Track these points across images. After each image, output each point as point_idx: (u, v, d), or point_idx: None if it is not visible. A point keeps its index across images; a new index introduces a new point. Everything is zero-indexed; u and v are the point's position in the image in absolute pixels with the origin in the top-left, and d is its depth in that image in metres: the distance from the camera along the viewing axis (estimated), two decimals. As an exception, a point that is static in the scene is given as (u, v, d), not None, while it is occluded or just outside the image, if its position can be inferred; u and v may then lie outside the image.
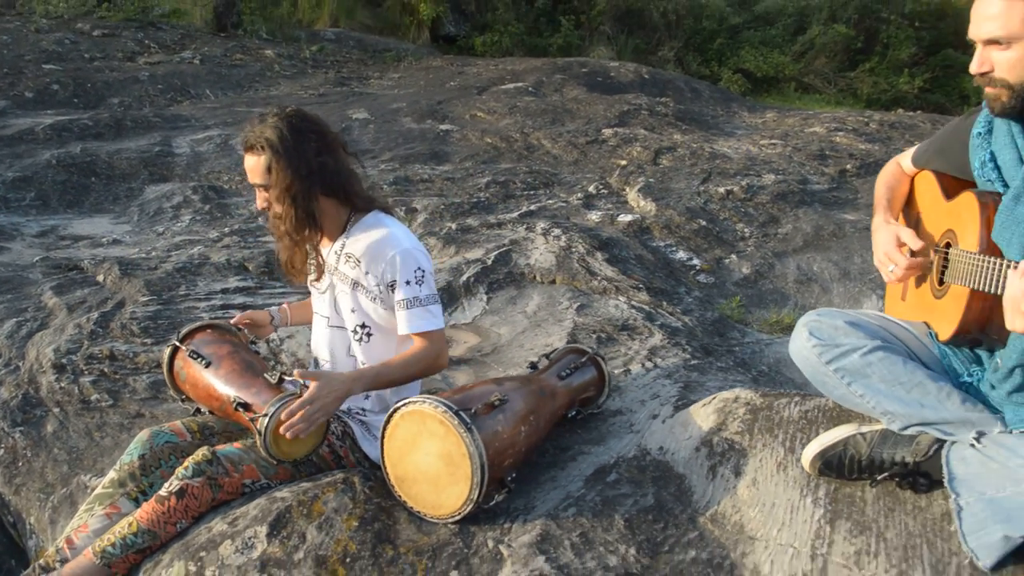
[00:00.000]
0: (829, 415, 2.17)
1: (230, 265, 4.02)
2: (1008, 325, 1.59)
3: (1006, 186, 1.83)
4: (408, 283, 2.27)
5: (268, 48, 9.52)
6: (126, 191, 5.37)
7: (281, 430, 2.09)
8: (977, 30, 1.73)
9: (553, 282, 4.04)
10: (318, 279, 2.43)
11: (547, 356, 2.68)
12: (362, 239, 2.34)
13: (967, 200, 1.90)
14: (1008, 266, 1.65)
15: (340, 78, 8.90)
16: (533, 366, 2.62)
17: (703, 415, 2.32)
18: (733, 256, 4.74)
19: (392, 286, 2.28)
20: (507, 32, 11.54)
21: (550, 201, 5.34)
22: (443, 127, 6.97)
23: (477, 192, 5.45)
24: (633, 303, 3.80)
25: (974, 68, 1.76)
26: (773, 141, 7.16)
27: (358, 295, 2.34)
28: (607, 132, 6.91)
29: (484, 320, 3.75)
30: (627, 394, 2.80)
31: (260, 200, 2.30)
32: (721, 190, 5.43)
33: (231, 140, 5.89)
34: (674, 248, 4.73)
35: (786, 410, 2.22)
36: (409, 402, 2.06)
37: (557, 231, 4.50)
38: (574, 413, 2.53)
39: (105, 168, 5.53)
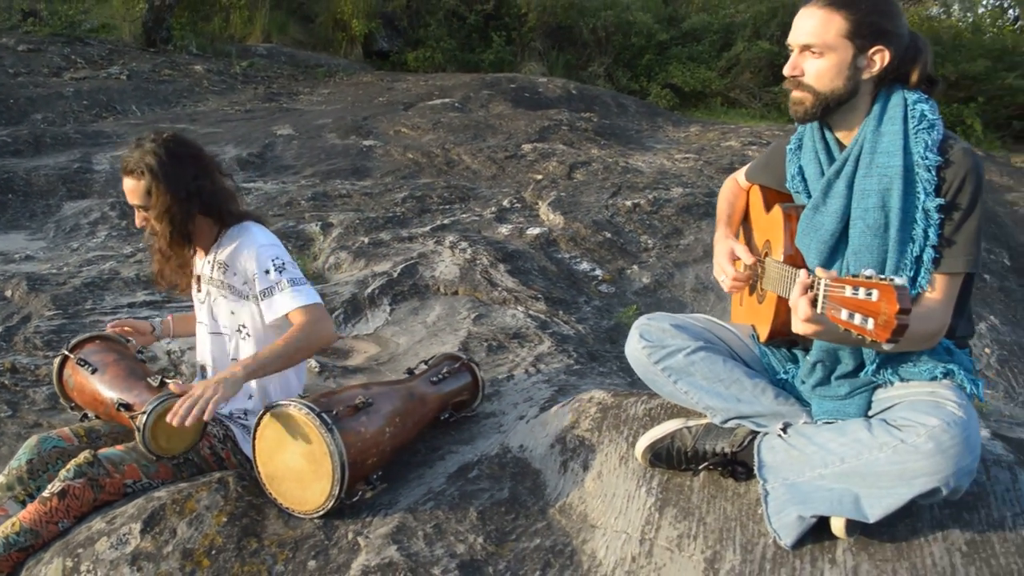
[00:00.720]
0: (671, 412, 2.36)
1: (139, 280, 4.12)
2: (794, 328, 1.80)
3: (811, 197, 2.04)
4: (267, 272, 2.39)
5: (198, 63, 9.57)
6: (43, 208, 5.43)
7: (168, 416, 2.17)
8: (795, 36, 1.93)
9: (456, 293, 4.20)
10: (198, 289, 2.57)
11: (425, 362, 2.84)
12: (228, 247, 2.49)
13: (776, 212, 2.11)
14: (798, 275, 1.85)
15: (269, 94, 8.99)
16: (410, 372, 2.78)
17: (561, 415, 2.50)
18: (635, 267, 4.95)
19: (255, 279, 2.41)
20: (439, 48, 11.73)
21: (464, 215, 5.51)
22: (367, 143, 7.11)
23: (393, 207, 5.60)
24: (530, 312, 3.98)
25: (787, 71, 1.97)
26: (687, 155, 7.43)
27: (232, 299, 2.48)
28: (527, 147, 7.11)
29: (385, 330, 3.90)
30: (504, 398, 2.98)
31: (139, 219, 2.44)
32: (628, 203, 5.65)
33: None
34: (578, 259, 4.92)
35: (633, 408, 2.41)
36: (277, 404, 2.21)
37: (464, 244, 4.67)
38: (447, 416, 2.70)
39: (23, 185, 5.57)
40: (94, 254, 4.56)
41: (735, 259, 2.20)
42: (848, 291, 1.57)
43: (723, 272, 2.20)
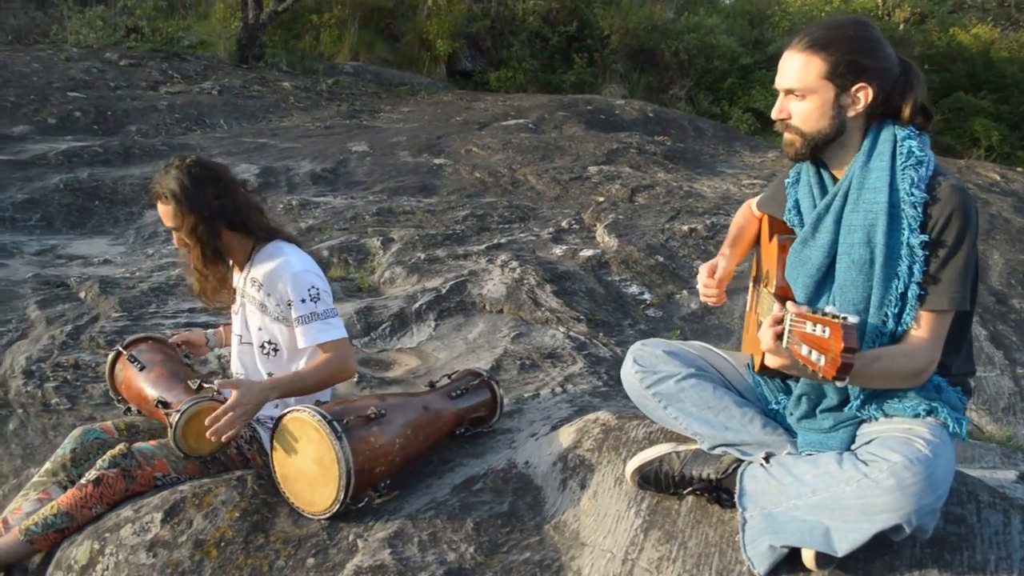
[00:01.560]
0: (669, 436, 2.42)
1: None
2: (766, 362, 1.85)
3: (804, 230, 2.08)
4: (304, 301, 2.57)
5: (286, 80, 9.98)
6: (126, 215, 5.79)
7: (208, 434, 2.38)
8: (779, 81, 2.00)
9: (500, 312, 4.32)
10: (233, 301, 2.75)
11: (448, 376, 2.96)
12: (264, 266, 2.66)
13: (773, 244, 2.17)
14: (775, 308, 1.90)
15: (352, 111, 9.31)
16: (431, 385, 2.90)
17: (566, 434, 2.58)
18: (684, 292, 4.98)
19: (290, 305, 2.58)
20: (521, 68, 11.92)
21: (521, 235, 5.63)
22: (437, 161, 7.32)
23: (454, 224, 5.76)
24: (570, 333, 4.07)
25: (775, 114, 2.03)
26: (756, 181, 7.40)
27: (264, 316, 2.65)
28: (592, 169, 7.20)
29: (428, 345, 4.04)
30: (524, 415, 3.08)
31: (176, 240, 2.64)
32: (685, 228, 5.69)
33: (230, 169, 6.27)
34: (628, 282, 4.98)
35: (634, 431, 2.48)
36: (294, 410, 2.36)
37: (514, 263, 4.78)
38: (463, 430, 2.81)
39: (109, 193, 5.96)
40: (165, 260, 4.85)
41: (713, 272, 2.29)
42: (808, 327, 1.63)
43: (700, 282, 2.30)
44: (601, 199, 6.51)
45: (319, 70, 10.67)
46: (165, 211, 2.58)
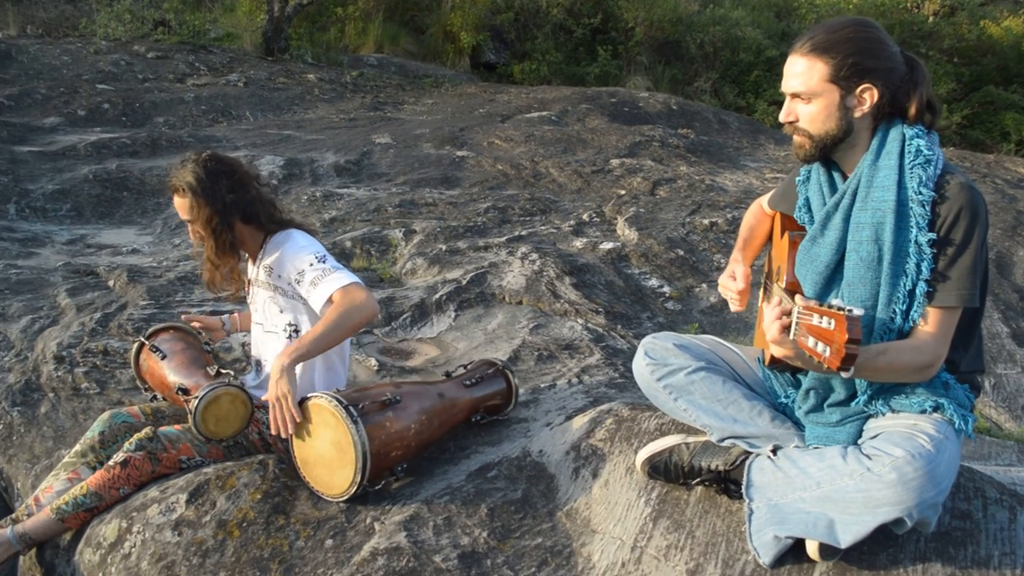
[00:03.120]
0: (680, 428, 2.46)
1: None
2: (772, 353, 1.89)
3: (814, 228, 2.11)
4: (311, 265, 2.61)
5: (311, 72, 10.07)
6: (154, 205, 5.90)
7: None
8: (785, 84, 2.03)
9: (520, 303, 4.37)
10: (248, 292, 2.83)
11: (464, 366, 3.02)
12: (273, 253, 2.74)
13: (784, 240, 2.20)
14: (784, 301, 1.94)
15: (376, 103, 9.39)
16: (447, 374, 2.96)
17: (580, 423, 2.63)
18: (704, 285, 5.01)
19: (301, 276, 2.62)
20: (545, 61, 11.93)
21: (542, 227, 5.67)
22: (459, 153, 7.37)
23: (475, 216, 5.81)
24: (588, 325, 4.11)
25: (782, 117, 2.07)
26: (779, 175, 7.39)
27: (281, 298, 2.73)
28: (615, 163, 7.22)
29: (447, 335, 4.10)
30: (540, 405, 3.13)
31: (191, 233, 2.72)
32: (706, 222, 5.71)
33: (255, 160, 6.37)
34: (647, 275, 5.01)
35: (646, 422, 2.52)
36: (312, 396, 2.43)
37: (534, 256, 4.83)
38: (478, 418, 2.86)
39: (137, 183, 6.07)
40: (191, 250, 4.94)
41: (734, 279, 2.31)
42: (814, 319, 1.67)
43: (724, 290, 2.32)
44: (622, 192, 6.54)
45: (344, 62, 10.75)
46: (181, 204, 2.66)
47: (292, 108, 8.89)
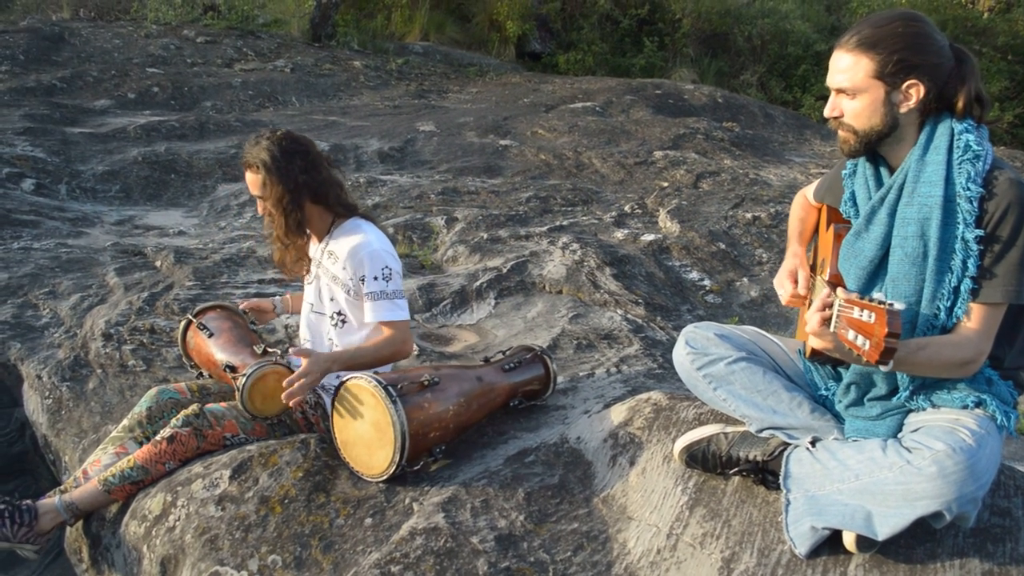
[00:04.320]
0: (719, 418, 2.46)
1: (271, 259, 4.52)
2: (811, 344, 1.88)
3: (860, 222, 2.10)
4: (376, 278, 2.68)
5: (357, 59, 10.14)
6: (201, 188, 6.00)
7: (282, 396, 2.51)
8: (831, 80, 2.02)
9: (560, 292, 4.39)
10: (307, 271, 2.87)
11: (503, 352, 3.04)
12: (342, 241, 2.77)
13: (829, 233, 2.19)
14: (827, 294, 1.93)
15: (420, 91, 9.43)
16: (486, 359, 2.98)
17: (618, 412, 2.64)
18: (745, 279, 4.98)
19: (362, 280, 2.69)
20: (591, 51, 11.90)
21: (584, 218, 5.67)
22: (503, 142, 7.38)
23: (517, 206, 5.83)
24: (627, 316, 4.11)
25: (827, 112, 2.05)
26: (824, 170, 7.30)
27: (336, 288, 2.76)
28: (658, 154, 7.19)
29: (487, 322, 4.13)
30: (578, 393, 3.14)
31: (260, 208, 2.76)
32: (749, 215, 5.66)
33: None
34: (688, 268, 4.99)
35: (684, 412, 2.53)
36: (353, 376, 2.47)
37: (575, 246, 4.84)
38: (516, 403, 2.89)
39: (184, 166, 6.18)
40: (237, 233, 5.02)
41: (795, 278, 2.28)
42: (855, 312, 1.66)
43: (781, 287, 2.30)
44: (665, 184, 6.51)
45: (389, 50, 10.81)
46: (254, 180, 2.69)
47: (337, 94, 8.96)
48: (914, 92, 1.92)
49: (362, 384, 2.42)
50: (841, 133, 2.04)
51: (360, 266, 2.69)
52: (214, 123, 7.15)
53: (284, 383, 2.50)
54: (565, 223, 5.51)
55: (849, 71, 1.95)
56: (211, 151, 6.36)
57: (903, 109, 1.94)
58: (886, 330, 1.53)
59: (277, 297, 3.20)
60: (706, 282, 4.88)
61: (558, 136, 7.70)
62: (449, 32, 11.93)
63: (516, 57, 12.10)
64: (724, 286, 4.90)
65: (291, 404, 2.50)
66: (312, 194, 2.74)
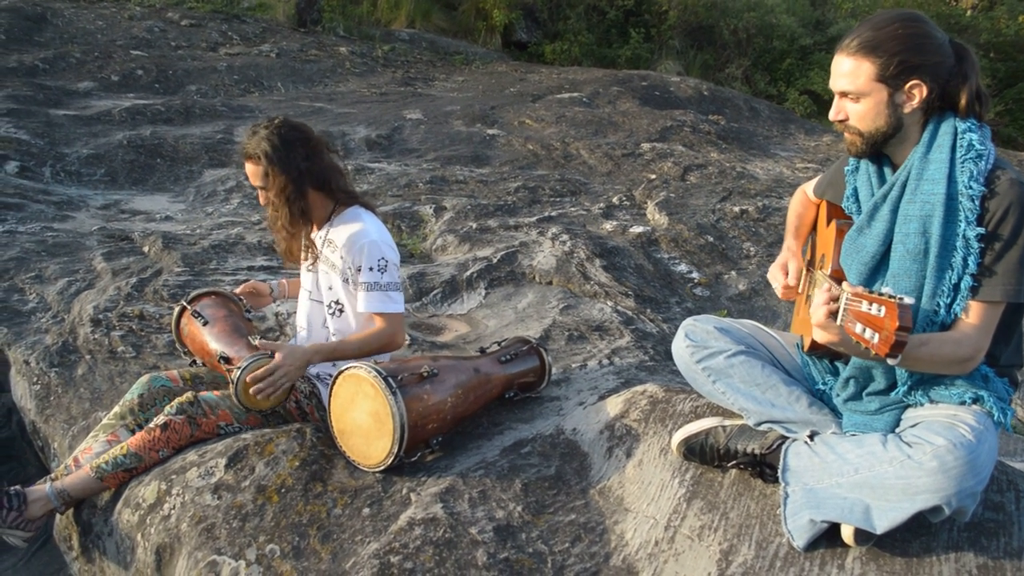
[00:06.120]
0: (716, 411, 2.47)
1: (260, 246, 4.49)
2: (814, 337, 1.90)
3: (862, 218, 2.11)
4: (371, 269, 2.67)
5: (343, 45, 10.08)
6: (187, 173, 5.94)
7: (251, 391, 2.50)
8: (833, 84, 2.03)
9: (550, 283, 4.39)
10: (311, 262, 2.85)
11: (498, 343, 3.04)
12: (342, 229, 2.75)
13: (831, 229, 2.21)
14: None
15: (406, 78, 9.39)
16: (482, 350, 2.98)
17: (614, 404, 2.65)
18: (733, 272, 5.00)
19: (358, 270, 2.68)
20: (577, 41, 11.88)
21: (572, 209, 5.68)
22: (490, 132, 7.37)
23: (506, 196, 5.82)
24: (618, 308, 4.12)
25: (832, 116, 2.07)
26: (809, 165, 7.35)
27: (334, 276, 2.75)
28: (645, 146, 7.20)
29: (478, 312, 4.13)
30: (572, 384, 3.15)
31: (262, 199, 2.73)
32: (736, 209, 5.69)
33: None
34: (677, 261, 5.01)
35: (681, 404, 2.54)
36: (351, 366, 2.46)
37: (565, 236, 4.84)
38: (512, 394, 2.89)
39: (170, 151, 6.12)
40: (225, 219, 4.98)
41: (786, 270, 2.31)
42: (864, 305, 1.67)
43: (774, 279, 2.32)
44: (653, 176, 6.52)
45: (375, 36, 10.75)
46: (255, 171, 2.66)
47: (323, 80, 8.90)
48: (917, 92, 1.93)
49: (361, 374, 2.41)
50: (847, 135, 2.06)
51: (357, 256, 2.67)
52: (200, 107, 7.08)
53: (249, 379, 2.49)
54: (554, 214, 5.51)
55: (851, 75, 1.97)
56: (197, 136, 6.30)
57: (907, 109, 1.95)
58: (897, 323, 1.55)
59: (274, 281, 3.17)
60: (694, 275, 4.90)
61: (545, 126, 7.70)
62: (435, 19, 11.88)
63: (502, 46, 12.07)
64: (712, 279, 4.92)
65: (268, 400, 2.50)
66: (314, 181, 2.72)
